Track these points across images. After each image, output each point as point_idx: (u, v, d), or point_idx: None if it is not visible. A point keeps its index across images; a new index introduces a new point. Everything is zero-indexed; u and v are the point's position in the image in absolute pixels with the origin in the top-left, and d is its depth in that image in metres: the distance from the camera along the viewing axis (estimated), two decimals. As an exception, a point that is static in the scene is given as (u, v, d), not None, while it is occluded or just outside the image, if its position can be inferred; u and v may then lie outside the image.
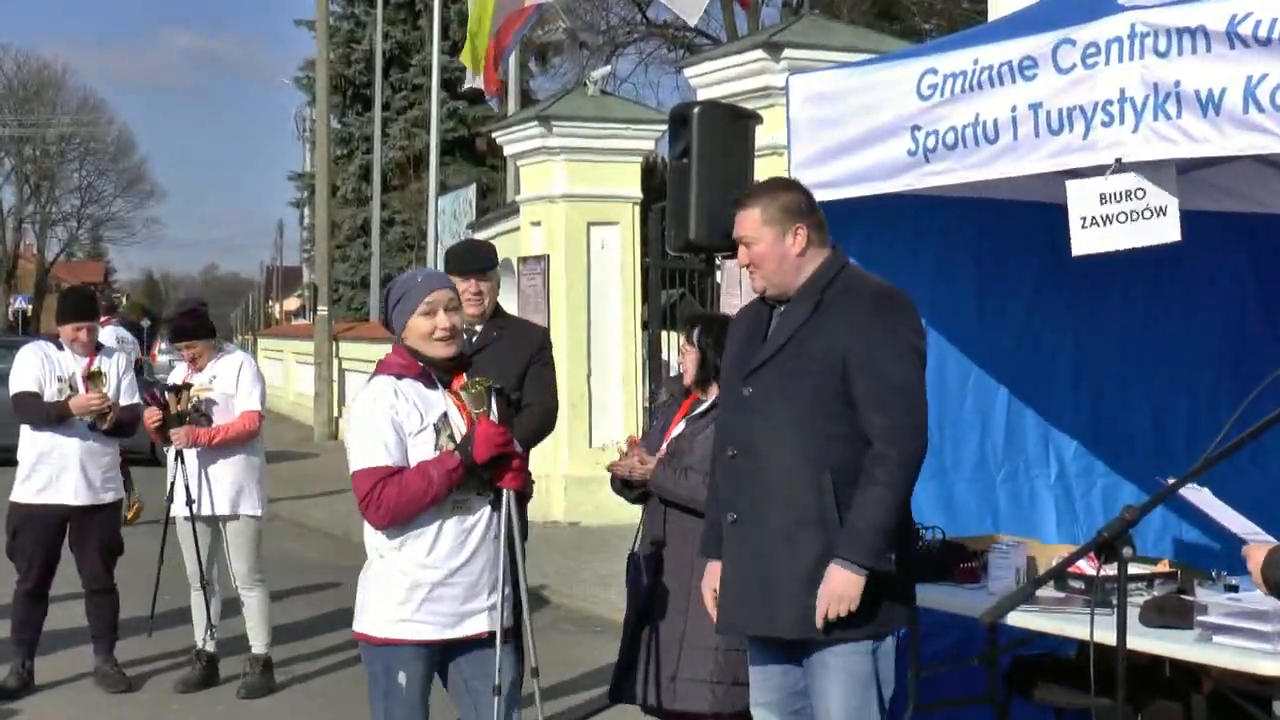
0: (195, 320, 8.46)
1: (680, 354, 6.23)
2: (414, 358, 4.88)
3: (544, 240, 15.50)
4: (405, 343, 4.91)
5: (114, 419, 8.23)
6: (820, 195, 6.08)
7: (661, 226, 13.79)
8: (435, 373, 4.88)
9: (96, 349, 8.45)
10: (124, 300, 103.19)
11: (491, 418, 4.81)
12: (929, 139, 5.54)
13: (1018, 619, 5.20)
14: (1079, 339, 7.01)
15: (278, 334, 44.68)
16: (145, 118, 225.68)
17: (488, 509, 4.89)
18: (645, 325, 15.44)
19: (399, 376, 4.84)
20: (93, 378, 8.18)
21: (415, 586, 4.79)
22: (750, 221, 4.88)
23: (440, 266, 23.61)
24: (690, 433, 6.03)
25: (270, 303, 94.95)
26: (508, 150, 16.46)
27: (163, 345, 42.52)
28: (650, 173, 18.46)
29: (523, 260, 15.83)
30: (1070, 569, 5.20)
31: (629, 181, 15.53)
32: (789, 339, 4.78)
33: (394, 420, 4.75)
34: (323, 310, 27.78)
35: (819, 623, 4.58)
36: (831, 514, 4.62)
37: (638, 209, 15.50)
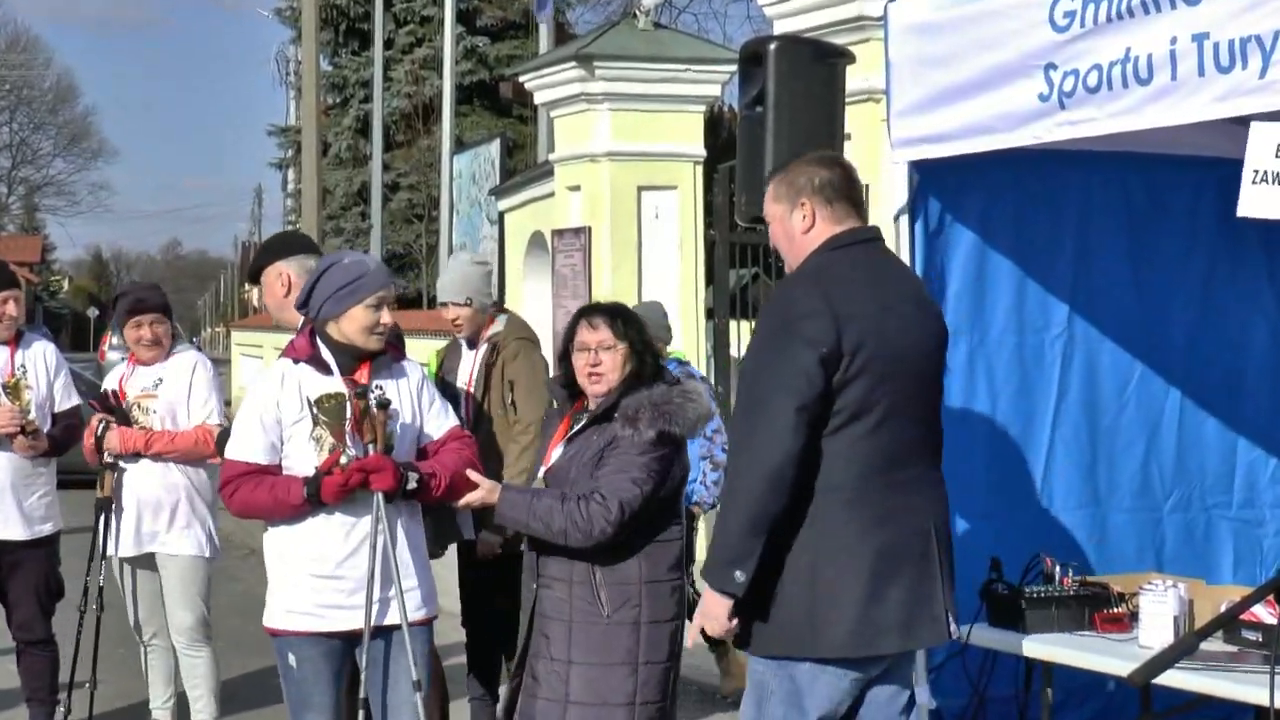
0: (158, 293, 8.32)
1: (589, 353, 5.98)
2: (315, 343, 5.92)
3: (584, 209, 15.51)
4: (325, 327, 5.92)
5: (43, 443, 8.11)
6: (927, 152, 6.08)
7: (730, 191, 13.76)
8: (341, 359, 5.90)
9: (17, 338, 8.33)
10: (65, 284, 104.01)
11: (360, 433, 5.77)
12: (1066, 80, 5.52)
13: (1177, 679, 5.16)
14: (1276, 328, 6.92)
15: (256, 325, 44.85)
16: (90, 59, 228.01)
17: (375, 502, 5.78)
18: (710, 313, 15.43)
19: (296, 361, 5.94)
20: (10, 389, 8.08)
21: (300, 577, 5.88)
22: (766, 199, 5.48)
23: (454, 240, 23.40)
24: (571, 457, 5.96)
25: (246, 287, 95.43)
26: (539, 98, 16.48)
27: (113, 340, 42.60)
28: (716, 125, 18.42)
29: (558, 234, 15.85)
30: (1243, 616, 5.16)
31: (689, 136, 15.52)
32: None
33: (275, 414, 5.87)
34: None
35: (688, 641, 5.46)
36: None
37: (700, 170, 15.49)
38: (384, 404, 5.80)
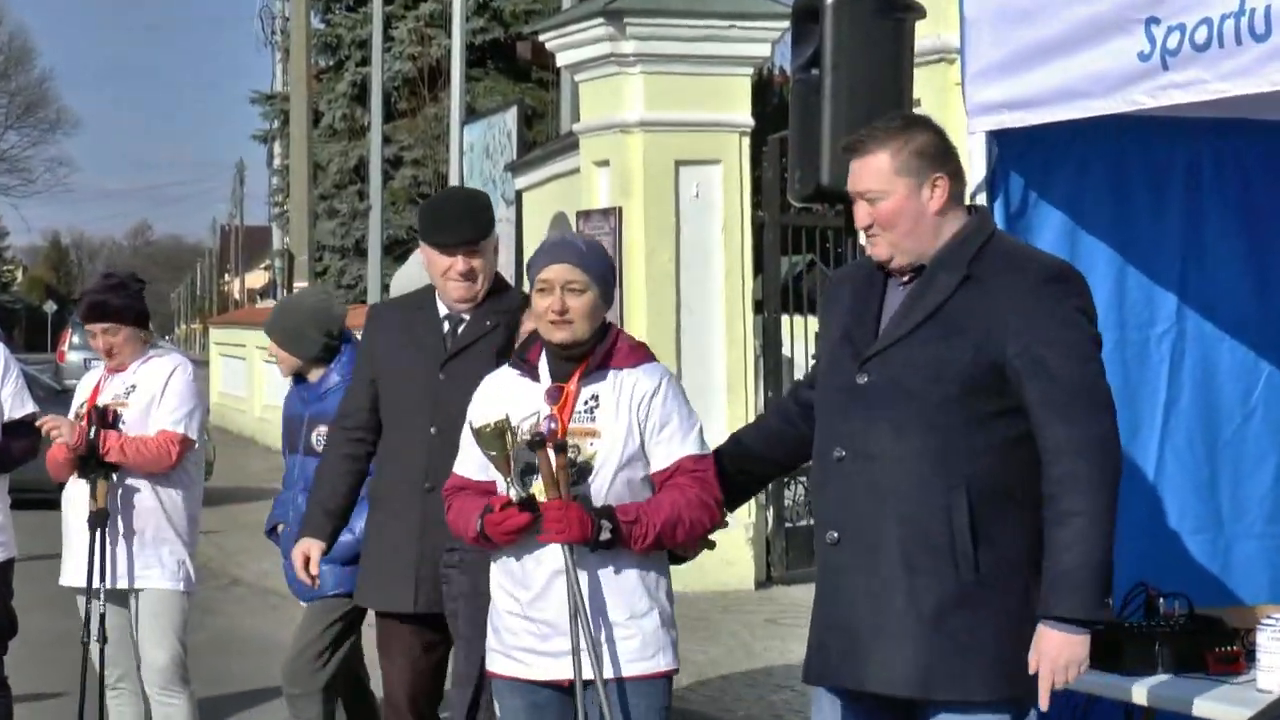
0: (122, 295, 8.22)
1: None
2: (534, 342, 5.82)
3: (614, 186, 15.52)
4: None
5: None
6: (1009, 120, 6.07)
7: (781, 166, 13.75)
8: (553, 363, 5.74)
9: None
10: (18, 275, 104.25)
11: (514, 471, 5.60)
12: (1170, 37, 5.48)
13: (1302, 730, 5.13)
14: None
15: (237, 321, 45.05)
16: (49, 16, 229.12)
17: (564, 555, 5.56)
18: (759, 306, 15.43)
19: (513, 364, 5.87)
20: None
21: (496, 613, 5.84)
22: (876, 171, 5.26)
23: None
24: None
25: (226, 278, 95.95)
26: (562, 59, 16.49)
27: (74, 339, 42.78)
28: (764, 90, 18.43)
29: (584, 215, 15.85)
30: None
31: (734, 103, 15.52)
32: (927, 318, 5.17)
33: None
34: (302, 287, 27.98)
35: (1043, 702, 5.00)
36: (965, 544, 5.07)
37: (747, 142, 15.50)
38: (585, 471, 5.61)
